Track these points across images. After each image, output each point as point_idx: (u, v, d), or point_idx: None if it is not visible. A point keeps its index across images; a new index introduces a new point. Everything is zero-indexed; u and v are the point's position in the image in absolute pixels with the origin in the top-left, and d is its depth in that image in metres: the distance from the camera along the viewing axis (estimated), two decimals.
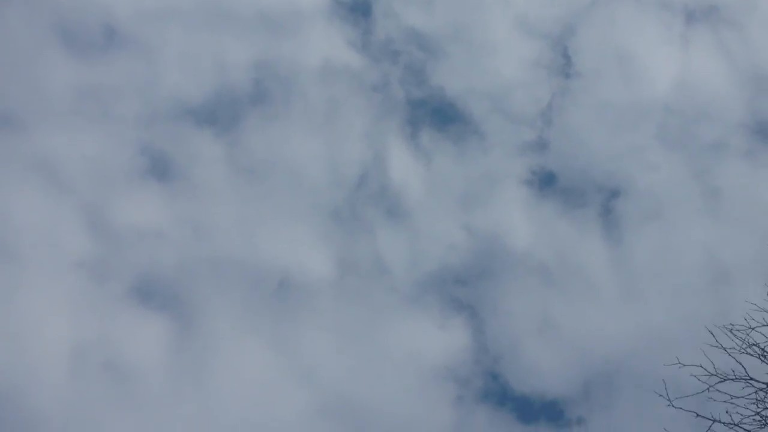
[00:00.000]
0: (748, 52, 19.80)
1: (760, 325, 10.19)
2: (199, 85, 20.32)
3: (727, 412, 10.06)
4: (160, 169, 19.39)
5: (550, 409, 17.56)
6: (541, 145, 20.41)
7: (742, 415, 10.01)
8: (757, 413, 10.02)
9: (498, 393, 17.93)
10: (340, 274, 18.96)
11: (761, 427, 9.98)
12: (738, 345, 10.16)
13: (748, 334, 10.18)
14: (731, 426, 10.00)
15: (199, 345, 17.78)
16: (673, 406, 10.28)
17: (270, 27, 21.31)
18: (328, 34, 21.14)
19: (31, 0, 20.15)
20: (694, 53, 19.80)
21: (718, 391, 10.17)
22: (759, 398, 10.00)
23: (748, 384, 10.12)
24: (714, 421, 10.04)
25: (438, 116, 20.95)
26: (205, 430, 16.67)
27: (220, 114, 20.28)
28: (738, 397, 10.09)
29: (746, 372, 10.14)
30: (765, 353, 10.14)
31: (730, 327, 10.28)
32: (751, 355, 10.17)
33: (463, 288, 19.00)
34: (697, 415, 10.09)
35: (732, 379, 10.18)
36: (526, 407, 17.72)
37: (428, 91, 21.07)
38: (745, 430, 9.96)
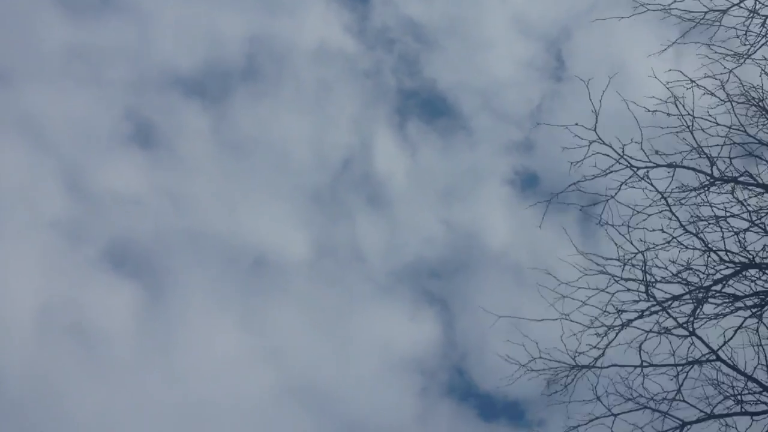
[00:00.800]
0: None
1: None
2: (192, 55, 20.20)
3: None
4: (144, 136, 19.29)
5: (512, 409, 17.65)
6: (527, 146, 20.45)
7: None
8: None
9: (462, 388, 18.03)
10: (316, 257, 18.96)
11: None
12: None
13: None
14: None
15: (169, 316, 17.74)
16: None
17: (268, 4, 21.20)
18: (325, 17, 21.06)
19: None
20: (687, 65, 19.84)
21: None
22: None
23: None
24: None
25: (427, 108, 20.95)
26: (168, 401, 16.64)
27: (210, 86, 20.18)
28: None
29: None
30: None
31: None
32: None
33: (436, 281, 19.05)
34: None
35: None
36: (488, 405, 17.82)
37: (420, 83, 21.06)
38: None
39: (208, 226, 18.72)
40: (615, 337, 10.98)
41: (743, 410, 10.33)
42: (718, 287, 10.71)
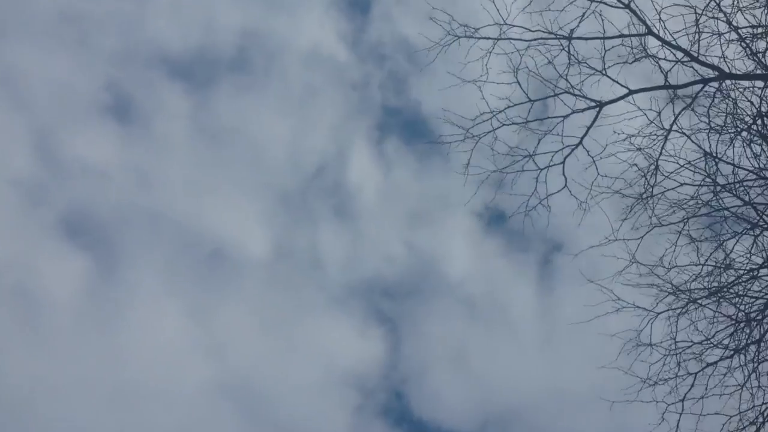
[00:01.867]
0: None
1: None
2: (183, 37, 20.03)
3: None
4: (122, 109, 19.06)
5: None
6: (499, 182, 20.55)
7: None
8: None
9: (397, 412, 18.00)
10: (274, 258, 18.85)
11: None
12: None
13: None
14: None
15: (117, 293, 17.51)
16: None
17: None
18: (322, 21, 21.03)
19: None
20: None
21: None
22: None
23: None
24: None
25: (408, 129, 20.97)
26: (102, 378, 16.41)
27: (197, 71, 20.02)
28: None
29: None
30: None
31: None
32: None
33: (389, 301, 19.04)
34: None
35: None
36: None
37: (405, 102, 21.09)
38: None
39: (171, 209, 18.54)
40: None
41: (667, 83, 10.37)
42: None
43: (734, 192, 11.08)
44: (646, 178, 11.57)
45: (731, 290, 11.21)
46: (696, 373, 11.18)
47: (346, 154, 20.22)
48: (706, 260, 11.33)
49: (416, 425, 17.85)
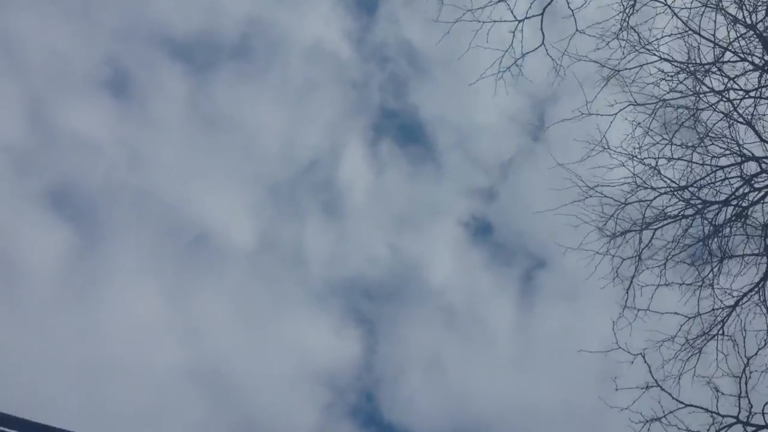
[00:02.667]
0: None
1: None
2: (188, 19, 19.95)
3: None
4: (120, 85, 18.95)
5: None
6: (489, 195, 20.60)
7: None
8: None
9: (367, 414, 17.96)
10: (258, 249, 18.80)
11: None
12: None
13: None
14: None
15: (97, 268, 17.40)
16: None
17: None
18: (328, 18, 21.01)
19: None
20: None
21: None
22: None
23: None
24: None
25: (404, 132, 20.98)
26: (76, 351, 16.30)
27: (198, 55, 19.95)
28: None
29: None
30: None
31: None
32: None
33: (369, 303, 19.01)
34: None
35: None
36: None
37: (403, 106, 21.10)
38: None
39: (160, 190, 18.46)
40: None
41: None
42: None
43: None
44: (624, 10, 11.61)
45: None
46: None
47: (339, 151, 20.22)
48: None
49: (385, 428, 17.83)
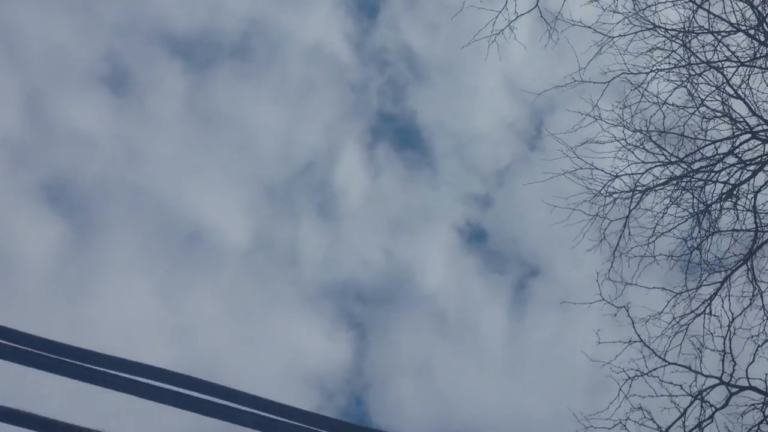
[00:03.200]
0: None
1: None
2: (189, 16, 19.94)
3: None
4: (118, 81, 18.92)
5: None
6: (485, 202, 20.60)
7: None
8: None
9: (356, 418, 17.93)
10: (252, 249, 18.76)
11: None
12: None
13: None
14: None
15: (90, 264, 17.36)
16: None
17: None
18: (329, 19, 21.00)
19: None
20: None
21: None
22: None
23: None
24: None
25: (401, 137, 20.98)
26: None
27: (197, 52, 19.92)
28: None
29: None
30: None
31: None
32: None
33: (361, 306, 18.98)
34: None
35: None
36: None
37: (401, 110, 21.09)
38: None
39: (155, 187, 18.42)
40: None
41: None
42: None
43: None
44: None
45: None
46: None
47: (336, 153, 20.21)
48: None
49: None
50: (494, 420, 17.71)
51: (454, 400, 18.05)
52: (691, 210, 11.56)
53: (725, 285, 11.29)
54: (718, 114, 11.51)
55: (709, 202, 11.54)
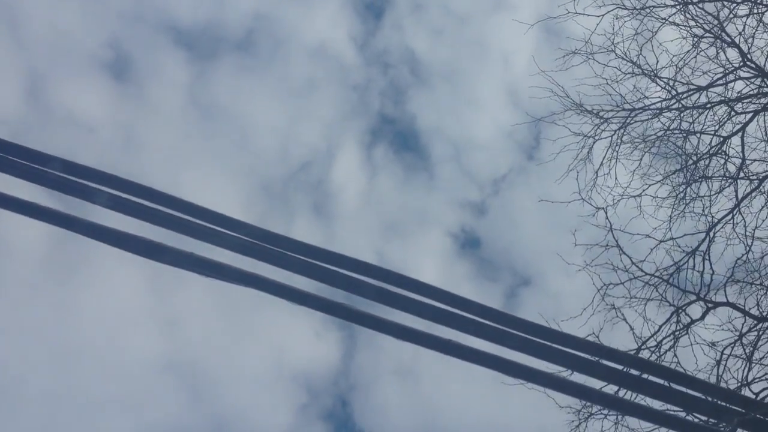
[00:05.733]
0: None
1: None
2: (195, 7, 19.85)
3: None
4: (120, 68, 18.82)
5: None
6: (480, 210, 20.58)
7: None
8: None
9: (340, 419, 17.88)
10: None
11: None
12: None
13: None
14: None
15: (81, 252, 17.26)
16: None
17: None
18: (335, 19, 20.96)
19: None
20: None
21: None
22: None
23: None
24: None
25: (400, 140, 20.94)
26: (53, 334, 16.17)
27: (202, 44, 19.84)
28: None
29: None
30: None
31: None
32: None
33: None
34: None
35: None
36: None
37: (401, 113, 21.05)
38: None
39: (149, 176, 18.30)
40: None
41: None
42: None
43: None
44: None
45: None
46: None
47: (334, 153, 20.15)
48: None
49: None
50: (477, 428, 17.71)
51: (438, 407, 18.03)
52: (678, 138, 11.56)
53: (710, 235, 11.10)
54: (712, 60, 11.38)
55: (695, 153, 11.51)
